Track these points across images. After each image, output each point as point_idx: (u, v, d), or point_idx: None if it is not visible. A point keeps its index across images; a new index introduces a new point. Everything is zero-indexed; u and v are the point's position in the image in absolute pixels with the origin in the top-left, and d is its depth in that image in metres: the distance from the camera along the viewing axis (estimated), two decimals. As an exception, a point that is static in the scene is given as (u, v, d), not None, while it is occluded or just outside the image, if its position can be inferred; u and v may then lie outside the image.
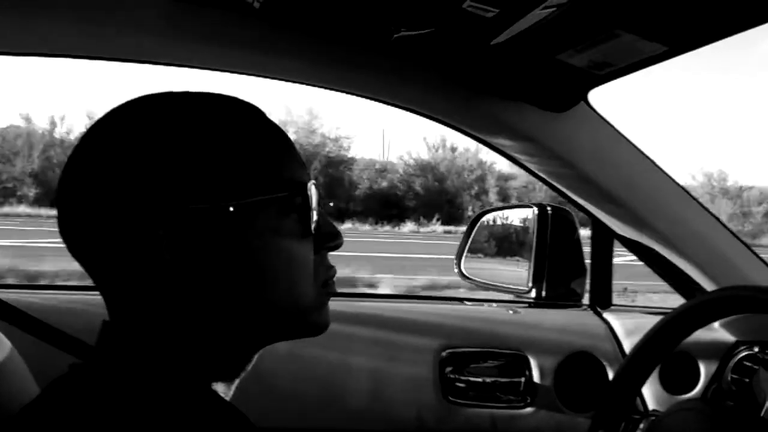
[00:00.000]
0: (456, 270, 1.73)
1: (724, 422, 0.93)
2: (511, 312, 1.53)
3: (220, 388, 0.62)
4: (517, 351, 1.44)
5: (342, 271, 0.80)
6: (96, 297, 1.29)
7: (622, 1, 0.85)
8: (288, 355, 1.28)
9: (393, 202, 28.26)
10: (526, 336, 1.46)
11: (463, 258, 1.73)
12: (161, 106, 0.61)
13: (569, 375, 1.44)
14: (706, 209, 1.32)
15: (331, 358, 1.37)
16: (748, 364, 1.37)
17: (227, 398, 0.63)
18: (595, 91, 1.18)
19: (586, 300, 1.63)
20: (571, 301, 1.62)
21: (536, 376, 1.43)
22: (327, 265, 0.67)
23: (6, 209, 22.23)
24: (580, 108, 1.21)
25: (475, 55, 1.07)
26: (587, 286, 1.63)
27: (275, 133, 0.64)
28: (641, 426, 1.02)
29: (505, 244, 1.83)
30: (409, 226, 25.83)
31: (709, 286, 1.33)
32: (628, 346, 1.47)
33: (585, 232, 1.60)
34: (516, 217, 1.82)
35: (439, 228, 25.85)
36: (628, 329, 1.49)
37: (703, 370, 1.44)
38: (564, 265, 1.62)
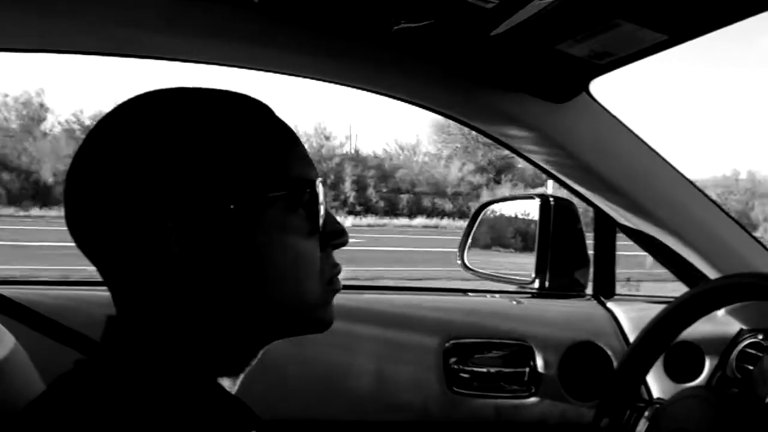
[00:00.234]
0: (459, 262, 1.73)
1: (728, 409, 0.94)
2: (514, 303, 1.53)
3: (225, 382, 0.63)
4: (521, 341, 1.44)
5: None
6: (98, 293, 1.30)
7: (622, -10, 0.85)
8: (292, 347, 1.29)
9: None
10: (530, 326, 1.46)
11: (466, 249, 1.73)
12: (171, 101, 0.61)
13: (573, 365, 1.44)
14: (709, 198, 1.32)
15: (335, 350, 1.37)
16: (752, 351, 1.37)
17: (232, 392, 0.64)
18: (597, 81, 1.17)
19: (589, 290, 1.63)
20: (575, 291, 1.62)
21: (540, 366, 1.43)
22: (332, 262, 0.67)
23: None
24: (581, 98, 1.21)
25: (476, 46, 1.07)
26: (590, 276, 1.63)
27: (283, 130, 0.64)
28: (646, 414, 1.03)
29: (508, 235, 1.83)
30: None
31: (712, 274, 1.33)
32: (632, 335, 1.47)
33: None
34: (518, 208, 1.83)
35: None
36: (632, 319, 1.49)
37: (708, 358, 1.44)
38: (567, 256, 1.62)
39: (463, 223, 1.99)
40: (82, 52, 1.11)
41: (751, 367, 1.35)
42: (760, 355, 1.34)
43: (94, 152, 0.60)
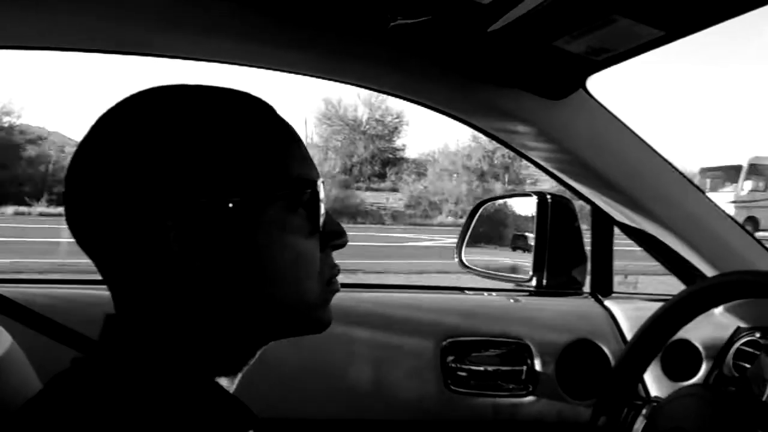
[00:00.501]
0: (456, 259, 1.73)
1: (726, 407, 0.94)
2: (512, 301, 1.53)
3: (223, 381, 0.63)
4: (519, 339, 1.44)
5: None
6: (95, 292, 1.30)
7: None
8: (290, 346, 1.28)
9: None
10: (528, 324, 1.46)
11: (464, 247, 1.73)
12: (172, 98, 0.61)
13: (571, 363, 1.44)
14: (706, 195, 1.32)
15: (333, 348, 1.37)
16: (749, 349, 1.37)
17: (231, 391, 0.64)
18: (593, 77, 1.17)
19: (587, 288, 1.63)
20: (572, 289, 1.62)
21: (538, 365, 1.43)
22: (331, 263, 0.67)
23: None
24: (578, 95, 1.21)
25: (472, 42, 1.06)
26: (588, 274, 1.63)
27: (285, 129, 0.64)
28: (643, 412, 1.03)
29: (505, 232, 1.83)
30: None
31: (709, 271, 1.33)
32: (629, 333, 1.47)
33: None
34: (516, 205, 1.83)
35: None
36: (629, 316, 1.49)
37: (705, 356, 1.44)
38: (564, 254, 1.62)
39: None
40: (82, 50, 1.11)
41: (748, 366, 1.35)
42: (757, 353, 1.34)
43: (94, 149, 0.59)
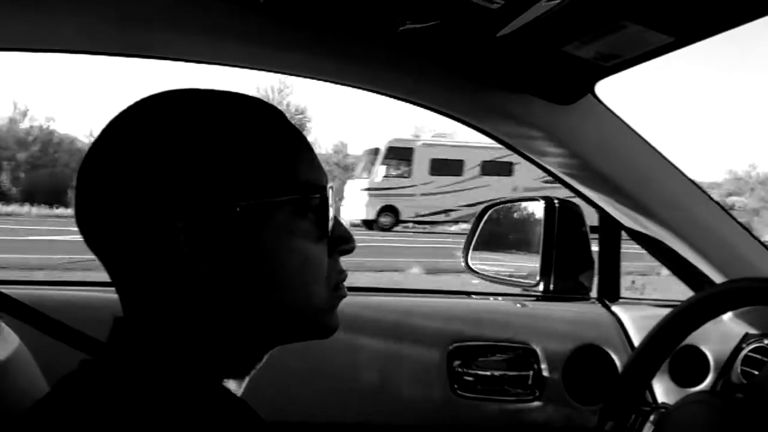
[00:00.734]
0: (463, 264, 1.73)
1: (733, 414, 0.93)
2: (519, 305, 1.53)
3: (231, 384, 0.63)
4: (526, 344, 1.44)
5: None
6: (102, 294, 1.30)
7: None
8: (297, 350, 1.27)
9: None
10: (535, 329, 1.46)
11: (470, 251, 1.72)
12: (183, 102, 0.62)
13: (578, 368, 1.44)
14: (715, 201, 1.31)
15: (339, 353, 1.37)
16: (757, 356, 1.36)
17: (238, 395, 0.64)
18: (602, 83, 1.17)
19: (594, 293, 1.63)
20: (579, 294, 1.61)
21: (545, 370, 1.43)
22: (339, 268, 0.67)
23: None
24: (586, 100, 1.21)
25: (481, 47, 1.06)
26: (595, 279, 1.63)
27: (293, 134, 0.65)
28: (651, 418, 1.02)
29: (512, 237, 1.83)
30: None
31: (717, 277, 1.32)
32: (636, 339, 1.46)
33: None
34: (523, 210, 1.82)
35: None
36: (637, 322, 1.48)
37: (713, 362, 1.43)
38: (572, 258, 1.61)
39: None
40: (83, 51, 1.11)
41: (756, 372, 1.34)
42: (766, 360, 1.33)
43: (105, 152, 0.60)
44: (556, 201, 1.62)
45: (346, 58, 1.13)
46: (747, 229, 1.32)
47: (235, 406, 0.60)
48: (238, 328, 0.61)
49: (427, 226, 19.71)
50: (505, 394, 1.42)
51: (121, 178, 0.57)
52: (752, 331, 1.40)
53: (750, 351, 1.37)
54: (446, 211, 19.37)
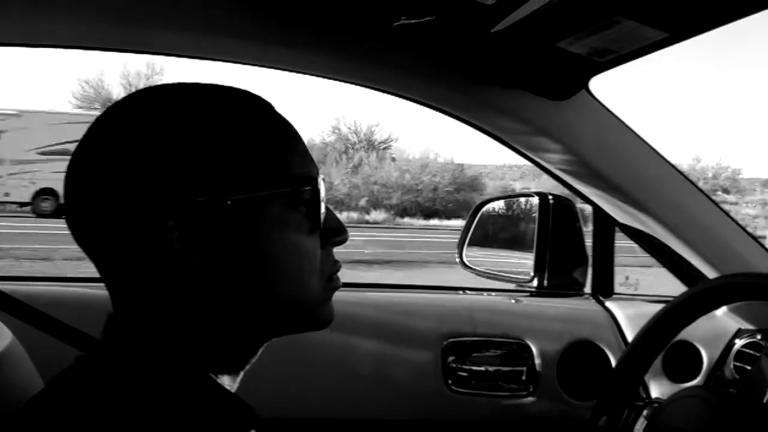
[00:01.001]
0: (458, 260, 1.73)
1: (726, 409, 0.94)
2: (513, 301, 1.53)
3: (225, 380, 0.63)
4: (520, 340, 1.44)
5: None
6: (96, 291, 1.30)
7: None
8: (292, 346, 1.28)
9: None
10: (529, 325, 1.46)
11: (465, 247, 1.72)
12: (171, 96, 0.61)
13: (571, 363, 1.44)
14: (708, 196, 1.32)
15: (334, 348, 1.37)
16: (750, 351, 1.37)
17: (232, 390, 0.64)
18: (596, 79, 1.17)
19: (588, 289, 1.63)
20: (573, 290, 1.61)
21: (538, 365, 1.43)
22: (332, 260, 0.67)
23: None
24: (581, 96, 1.21)
25: (476, 43, 1.06)
26: (589, 275, 1.63)
27: (284, 127, 0.64)
28: (644, 413, 1.03)
29: (507, 233, 1.83)
30: None
31: (710, 273, 1.33)
32: (630, 334, 1.46)
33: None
34: (517, 206, 1.82)
35: None
36: (630, 318, 1.49)
37: (706, 358, 1.44)
38: (566, 254, 1.61)
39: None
40: (82, 47, 1.11)
41: (748, 367, 1.35)
42: (758, 355, 1.34)
43: (94, 148, 0.59)
44: (550, 197, 1.62)
45: (340, 53, 1.13)
46: (740, 225, 1.33)
47: (230, 401, 0.60)
48: (233, 322, 0.60)
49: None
50: (499, 389, 1.42)
51: (111, 174, 0.57)
52: (745, 326, 1.40)
53: (743, 346, 1.38)
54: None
